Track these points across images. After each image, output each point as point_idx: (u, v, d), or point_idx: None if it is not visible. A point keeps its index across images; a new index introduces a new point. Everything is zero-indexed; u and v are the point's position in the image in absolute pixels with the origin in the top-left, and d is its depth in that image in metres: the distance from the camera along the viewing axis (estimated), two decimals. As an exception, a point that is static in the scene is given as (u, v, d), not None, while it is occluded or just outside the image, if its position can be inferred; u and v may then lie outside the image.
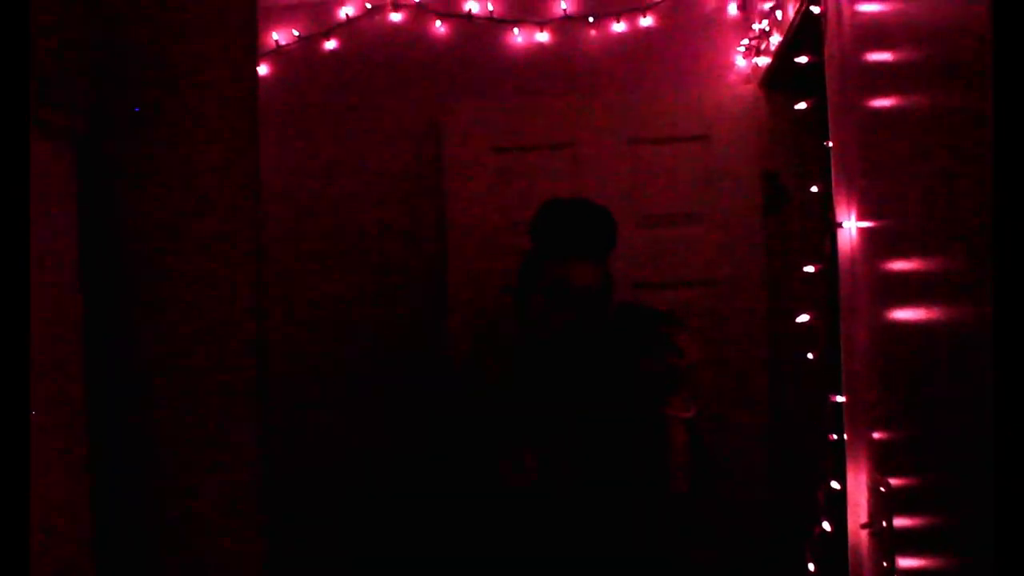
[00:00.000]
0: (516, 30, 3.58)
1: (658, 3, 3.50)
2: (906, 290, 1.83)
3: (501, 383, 2.15)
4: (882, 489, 1.95)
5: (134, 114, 1.97)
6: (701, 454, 2.06)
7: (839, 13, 2.14)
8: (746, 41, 3.28)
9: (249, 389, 1.97)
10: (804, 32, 2.53)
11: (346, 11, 3.65)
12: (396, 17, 3.64)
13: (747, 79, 3.38)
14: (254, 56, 2.11)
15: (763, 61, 3.10)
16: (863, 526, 2.04)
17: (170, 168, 2.02)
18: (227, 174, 2.03)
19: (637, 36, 3.53)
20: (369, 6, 3.65)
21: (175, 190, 1.99)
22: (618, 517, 2.02)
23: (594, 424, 2.07)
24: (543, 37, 3.57)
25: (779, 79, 3.09)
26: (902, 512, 1.88)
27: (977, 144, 1.46)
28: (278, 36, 3.66)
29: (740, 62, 3.41)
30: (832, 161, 2.19)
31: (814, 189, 2.28)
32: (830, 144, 2.19)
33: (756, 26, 3.14)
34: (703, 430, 2.12)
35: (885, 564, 1.92)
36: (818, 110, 2.49)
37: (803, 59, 2.34)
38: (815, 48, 2.36)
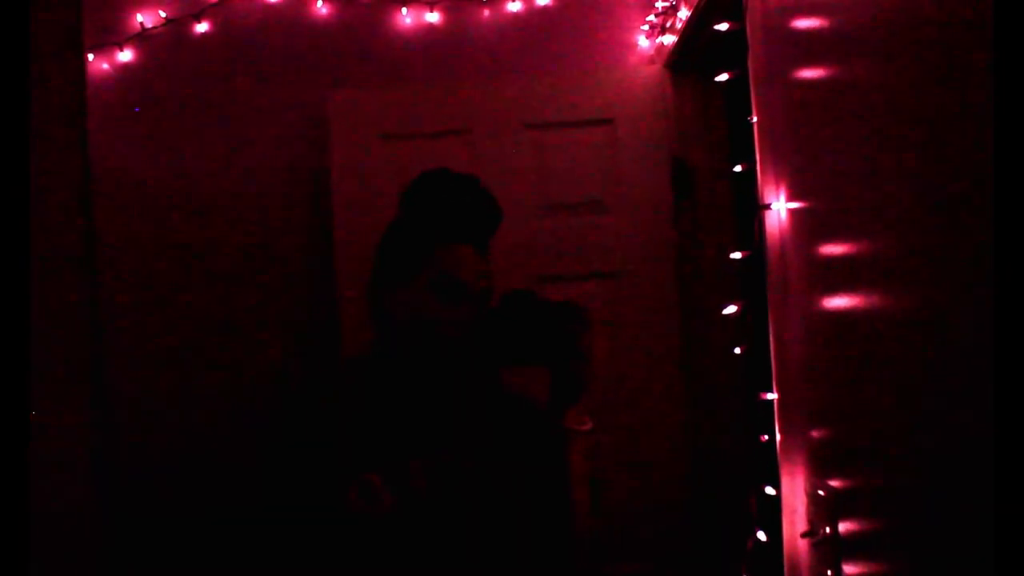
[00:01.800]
0: (404, 11, 3.36)
1: (555, -20, 3.32)
2: (843, 276, 1.68)
3: (354, 393, 1.85)
4: (821, 492, 1.80)
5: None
6: (595, 477, 1.81)
7: (762, -26, 1.99)
8: (651, 18, 3.13)
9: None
10: (717, 3, 2.38)
11: (218, -10, 3.37)
12: (273, -3, 3.38)
13: (652, 60, 3.23)
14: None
15: (669, 40, 2.95)
16: (803, 535, 1.88)
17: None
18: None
19: (533, 16, 3.35)
20: (243, -15, 3.37)
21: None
22: (500, 549, 1.76)
23: (474, 442, 1.80)
24: (433, 18, 3.36)
25: (687, 58, 2.95)
26: (847, 516, 1.73)
27: (920, 116, 1.32)
28: (143, 18, 3.35)
29: (643, 42, 3.26)
30: (756, 138, 2.04)
31: (737, 168, 2.11)
32: (754, 119, 2.03)
33: (660, 3, 2.98)
34: (606, 441, 1.91)
35: (830, 573, 1.77)
36: (730, 89, 2.35)
37: (723, 26, 2.18)
38: (734, 16, 2.20)
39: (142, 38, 3.37)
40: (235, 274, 3.35)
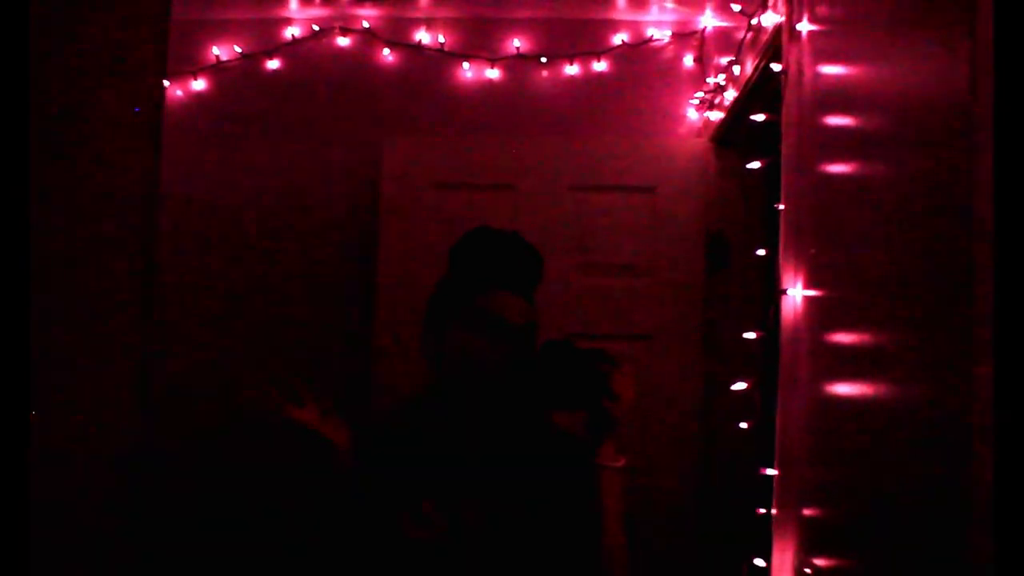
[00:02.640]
0: (466, 65, 3.49)
1: (614, 49, 3.44)
2: (849, 364, 1.75)
3: (402, 432, 1.98)
4: (807, 571, 1.86)
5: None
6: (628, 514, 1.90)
7: (800, 72, 2.08)
8: (700, 94, 3.23)
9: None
10: (761, 90, 2.48)
11: (292, 31, 3.53)
12: (343, 42, 3.54)
13: (698, 133, 3.33)
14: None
15: (716, 116, 3.05)
16: (788, 608, 1.94)
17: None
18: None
19: (590, 80, 3.46)
20: (316, 28, 3.53)
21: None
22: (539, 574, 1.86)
23: (514, 472, 1.91)
24: (493, 74, 3.49)
25: (731, 136, 3.04)
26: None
27: (936, 217, 1.39)
28: (219, 51, 3.53)
29: (692, 115, 3.36)
30: (781, 224, 2.12)
31: (761, 252, 2.19)
32: (781, 207, 2.11)
33: (711, 80, 3.08)
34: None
35: (810, 651, 1.82)
36: (769, 171, 2.43)
37: (759, 117, 2.27)
38: (771, 107, 2.29)
39: (217, 70, 3.53)
40: (279, 305, 3.47)
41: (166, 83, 3.47)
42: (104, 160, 2.02)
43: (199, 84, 3.53)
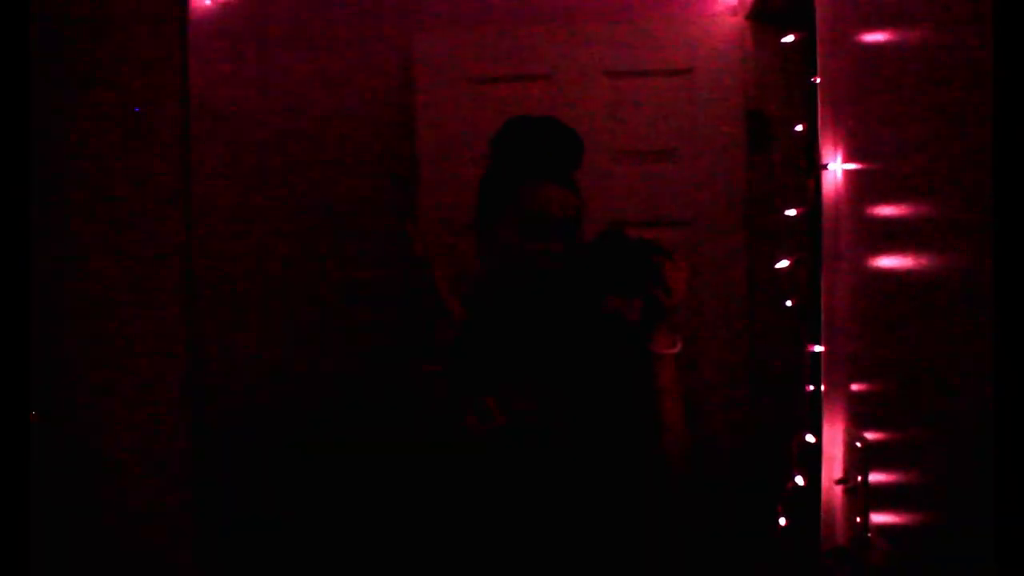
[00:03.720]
0: (494, -46, 3.41)
1: (643, -72, 3.34)
2: (893, 237, 1.74)
3: (463, 328, 2.00)
4: (858, 444, 1.88)
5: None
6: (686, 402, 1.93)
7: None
8: (734, -30, 3.14)
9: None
10: (795, -39, 2.40)
11: (316, -71, 3.47)
12: (368, -63, 3.47)
13: (733, 11, 3.24)
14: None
15: (751, -9, 2.97)
16: (837, 481, 1.97)
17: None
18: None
19: (620, -37, 3.37)
20: (340, -77, 3.47)
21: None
22: (599, 464, 1.89)
23: (569, 362, 1.93)
24: (522, -38, 3.41)
25: (767, 11, 2.97)
26: (877, 467, 1.81)
27: (976, 85, 1.36)
28: (243, -46, 3.48)
29: (727, -8, 3.27)
30: (819, 98, 2.08)
31: (799, 128, 2.16)
32: (817, 80, 2.07)
33: (745, -46, 2.99)
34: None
35: (859, 520, 1.85)
36: (808, 45, 2.37)
37: (792, -12, 2.20)
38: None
39: (234, -24, 3.49)
40: (319, 216, 3.48)
41: (193, -8, 3.45)
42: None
43: (225, -8, 3.50)
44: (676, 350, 1.85)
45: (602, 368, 1.93)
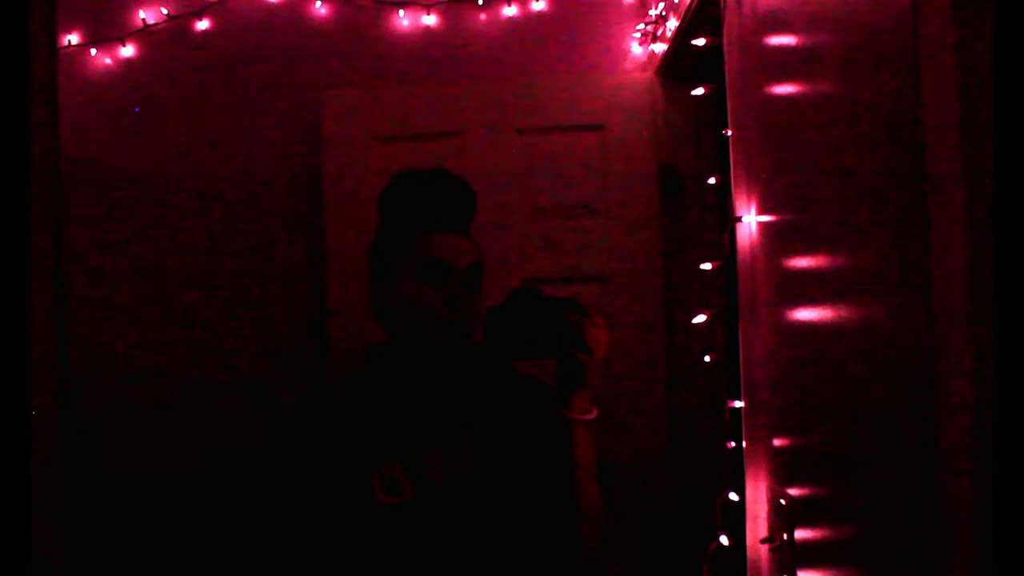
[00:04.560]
0: (402, 12, 3.40)
1: (551, -14, 3.36)
2: (808, 288, 1.71)
3: (357, 388, 1.91)
4: (782, 501, 1.84)
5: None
6: (604, 463, 1.86)
7: (739, -8, 2.02)
8: (642, 26, 3.16)
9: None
10: (702, 15, 2.42)
11: (220, -11, 3.41)
12: (274, -4, 3.43)
13: (643, 67, 3.26)
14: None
15: (660, 48, 2.98)
16: (762, 540, 1.92)
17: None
18: None
19: (529, 20, 3.38)
20: (244, -17, 3.42)
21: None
22: (511, 534, 1.81)
23: (483, 428, 1.85)
24: (430, 20, 3.40)
25: (676, 67, 2.98)
26: (803, 524, 1.77)
27: (882, 134, 1.35)
28: (145, 15, 3.41)
29: (636, 49, 3.29)
30: (731, 151, 2.07)
31: (711, 181, 2.15)
32: (729, 133, 2.06)
33: (652, 11, 3.02)
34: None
35: (786, 580, 1.81)
36: (717, 99, 2.38)
37: (700, 42, 2.21)
38: (714, 31, 2.23)
39: (144, 34, 3.42)
40: (227, 271, 3.40)
41: (93, 51, 3.37)
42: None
43: (127, 50, 3.42)
44: (592, 416, 1.79)
45: (516, 433, 1.86)
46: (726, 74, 2.08)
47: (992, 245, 1.06)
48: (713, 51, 2.24)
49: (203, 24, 3.42)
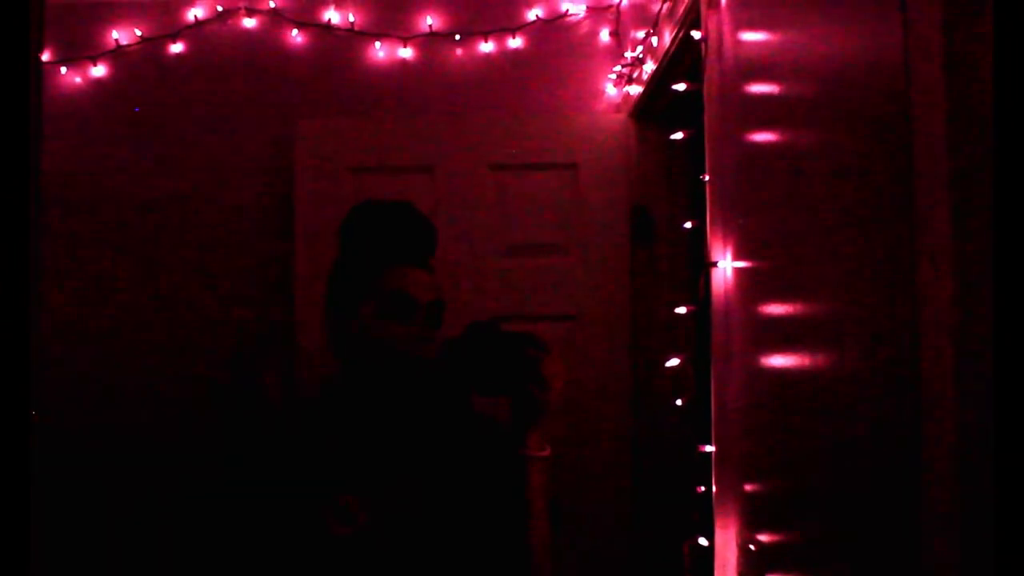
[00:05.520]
0: (378, 44, 3.40)
1: (528, 25, 3.37)
2: (783, 335, 1.72)
3: (324, 416, 1.89)
4: (751, 547, 1.83)
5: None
6: (555, 501, 1.84)
7: (721, 40, 2.04)
8: (618, 68, 3.18)
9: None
10: (680, 60, 2.43)
11: (195, 13, 3.40)
12: (249, 23, 3.42)
13: (618, 108, 3.28)
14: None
15: (635, 90, 3.00)
16: (732, 587, 1.92)
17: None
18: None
19: (505, 58, 3.40)
20: (220, 9, 3.41)
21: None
22: (462, 568, 1.79)
23: (437, 462, 1.83)
24: (406, 53, 3.40)
25: (651, 110, 3.00)
26: (773, 571, 1.76)
27: (859, 185, 1.36)
28: (119, 35, 3.39)
29: (611, 90, 3.31)
30: (708, 196, 2.08)
31: (687, 225, 2.15)
32: (706, 178, 2.07)
33: (629, 53, 3.04)
34: (558, 476, 1.93)
35: (756, 628, 1.80)
36: (691, 144, 2.39)
37: (681, 86, 2.23)
38: (692, 77, 2.25)
39: (117, 55, 3.39)
40: (195, 297, 3.37)
41: (63, 69, 3.34)
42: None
43: (99, 70, 3.39)
44: (547, 453, 1.77)
45: (469, 467, 1.84)
46: (705, 120, 2.09)
47: (985, 294, 1.07)
48: (691, 96, 2.25)
49: (177, 47, 3.41)
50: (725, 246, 2.00)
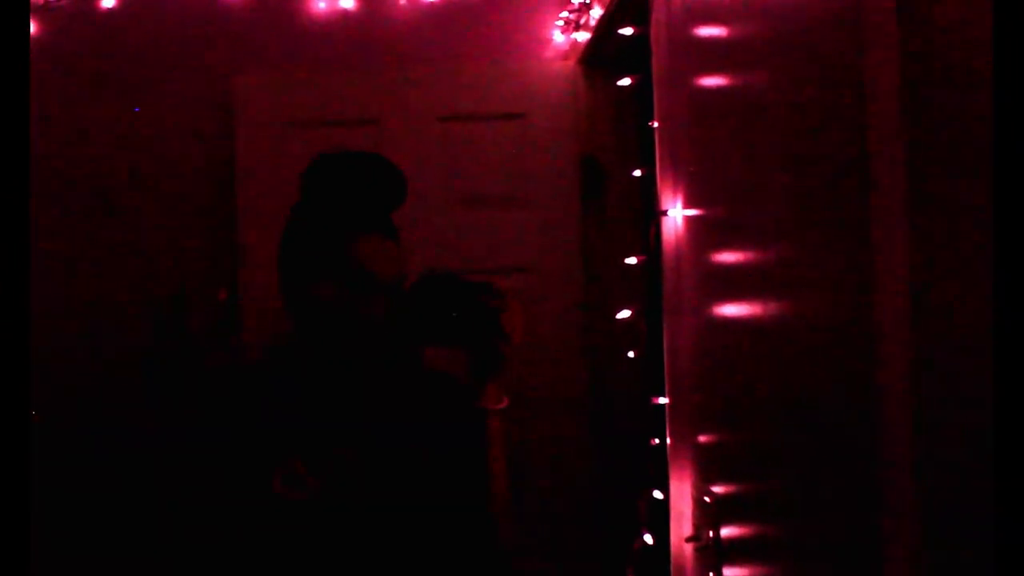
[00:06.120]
0: (319, -5, 3.30)
1: (472, -28, 3.29)
2: (734, 284, 1.69)
3: (275, 380, 1.82)
4: (707, 499, 1.81)
5: None
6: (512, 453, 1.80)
7: (667, -19, 1.98)
8: (565, 14, 3.11)
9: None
10: (628, 5, 2.37)
11: (127, -35, 3.27)
12: (184, -26, 3.30)
13: (565, 55, 3.22)
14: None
15: (583, 36, 2.94)
16: (687, 539, 1.90)
17: None
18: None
19: (450, 7, 3.30)
20: (154, -40, 3.29)
21: None
22: (424, 532, 1.75)
23: (391, 423, 1.77)
24: (348, 4, 3.30)
25: (600, 56, 2.94)
26: (728, 522, 1.75)
27: (813, 128, 1.32)
28: (46, -10, 3.26)
29: (558, 37, 3.24)
30: (657, 143, 2.04)
31: (637, 173, 2.11)
32: (655, 124, 2.03)
33: (575, -1, 2.97)
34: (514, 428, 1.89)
35: (711, 577, 1.79)
36: (641, 89, 2.35)
37: (628, 31, 2.17)
38: (639, 21, 2.20)
39: (45, 10, 3.26)
40: (134, 261, 3.28)
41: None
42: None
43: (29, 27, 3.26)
44: (504, 405, 1.73)
45: (424, 425, 1.79)
46: (653, 65, 2.05)
47: (940, 237, 1.05)
48: (639, 41, 2.20)
49: (108, 2, 3.27)
50: (676, 194, 1.96)
